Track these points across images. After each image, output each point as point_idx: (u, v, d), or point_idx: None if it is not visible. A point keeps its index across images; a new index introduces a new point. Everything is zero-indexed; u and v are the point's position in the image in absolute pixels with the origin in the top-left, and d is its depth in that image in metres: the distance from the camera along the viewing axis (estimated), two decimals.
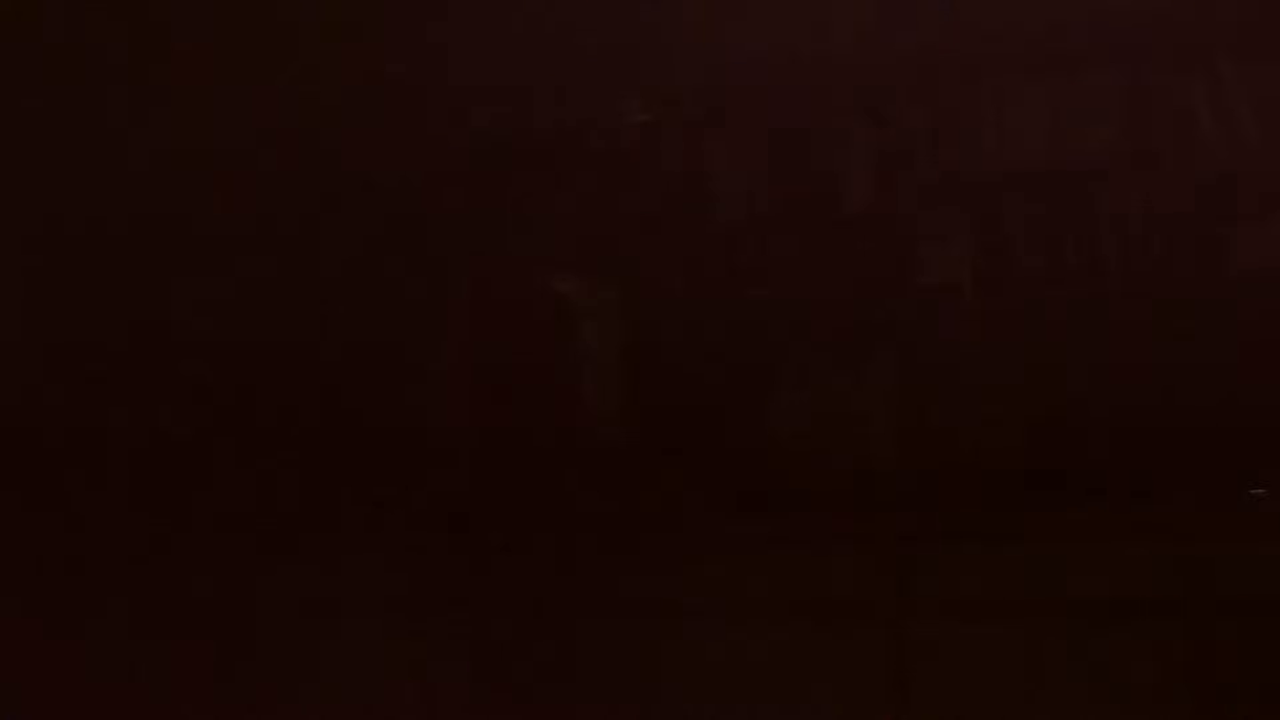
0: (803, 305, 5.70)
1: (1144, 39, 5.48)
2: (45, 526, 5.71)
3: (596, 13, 5.75)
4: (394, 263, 5.76)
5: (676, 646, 5.46)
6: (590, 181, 5.79)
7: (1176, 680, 5.02)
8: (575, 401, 5.70)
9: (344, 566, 5.64)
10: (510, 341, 5.69)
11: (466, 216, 5.77)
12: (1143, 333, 5.44)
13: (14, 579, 5.71)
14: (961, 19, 5.60)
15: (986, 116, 5.62)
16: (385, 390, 5.75)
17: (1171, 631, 5.03)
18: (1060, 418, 5.47)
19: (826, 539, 5.39)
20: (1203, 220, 5.42)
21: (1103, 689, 5.09)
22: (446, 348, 5.71)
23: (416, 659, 5.58)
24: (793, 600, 5.39)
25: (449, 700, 5.54)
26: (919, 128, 5.68)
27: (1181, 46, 5.45)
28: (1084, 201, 5.54)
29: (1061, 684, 5.14)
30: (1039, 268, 5.56)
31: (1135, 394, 5.41)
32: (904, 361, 5.60)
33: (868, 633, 5.33)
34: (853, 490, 5.56)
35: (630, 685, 5.49)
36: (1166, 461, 5.32)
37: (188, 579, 5.72)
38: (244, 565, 5.70)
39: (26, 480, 5.73)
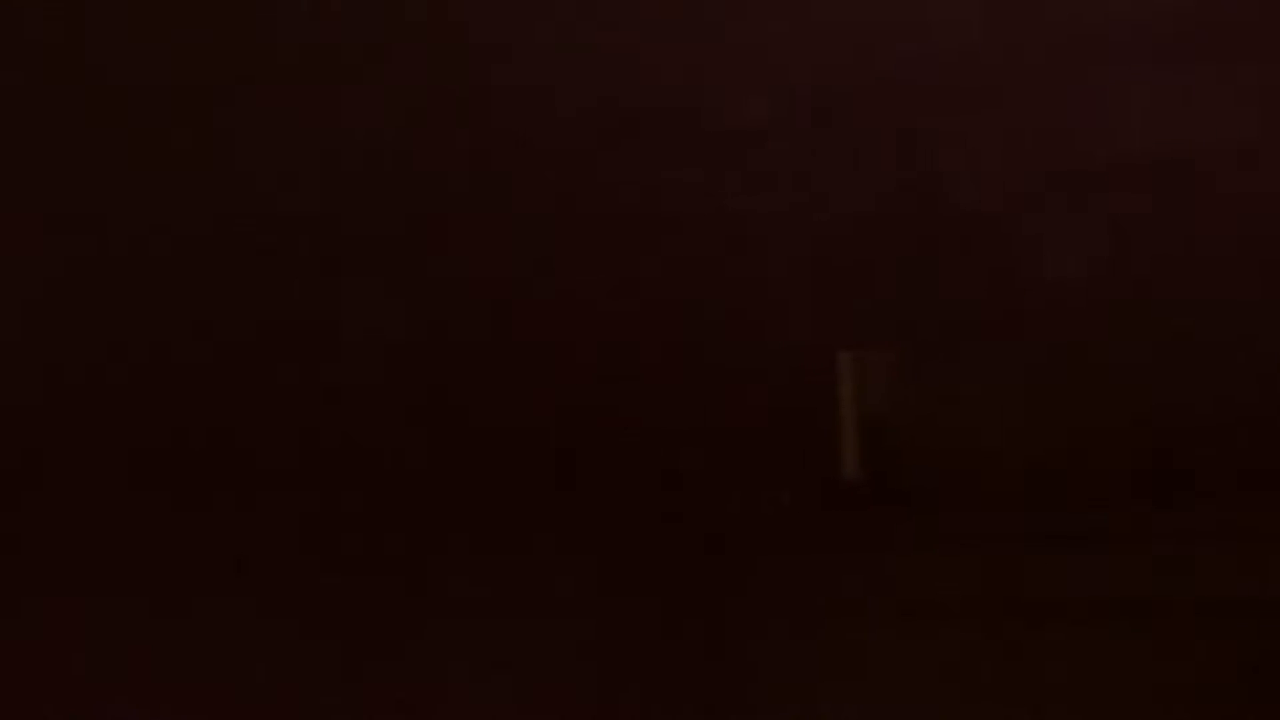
0: (915, 305, 5.71)
1: (1253, 28, 5.42)
2: (195, 527, 5.75)
3: (704, 11, 5.73)
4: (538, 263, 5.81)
5: (815, 647, 5.44)
6: (697, 180, 5.78)
7: None
8: (694, 393, 5.72)
9: (497, 568, 5.69)
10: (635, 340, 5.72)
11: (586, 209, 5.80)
12: (1268, 327, 5.39)
13: (162, 579, 5.75)
14: (1069, 10, 5.57)
15: (1101, 108, 5.57)
16: (531, 389, 5.80)
17: None
18: (1181, 415, 5.42)
19: (944, 539, 5.37)
20: None
21: (1225, 689, 5.03)
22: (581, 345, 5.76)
23: (563, 660, 5.64)
24: (913, 601, 5.36)
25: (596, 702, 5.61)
26: (1031, 122, 5.64)
27: None
28: (1206, 193, 5.49)
29: (1186, 685, 5.08)
30: (1158, 261, 5.51)
31: (1256, 390, 5.35)
32: (1023, 359, 5.57)
33: (983, 635, 5.28)
34: (975, 488, 5.54)
35: (772, 686, 5.48)
36: None
37: (344, 579, 5.77)
38: (398, 565, 5.75)
39: (179, 480, 5.77)
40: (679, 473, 5.67)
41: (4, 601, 5.78)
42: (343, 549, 5.75)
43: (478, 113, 5.76)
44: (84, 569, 5.76)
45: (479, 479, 5.74)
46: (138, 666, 5.70)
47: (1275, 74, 5.40)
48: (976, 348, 5.61)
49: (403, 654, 5.70)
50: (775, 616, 5.46)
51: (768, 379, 5.71)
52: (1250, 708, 4.99)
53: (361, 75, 5.73)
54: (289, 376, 5.81)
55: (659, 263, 5.77)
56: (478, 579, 5.67)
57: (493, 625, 5.66)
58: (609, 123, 5.76)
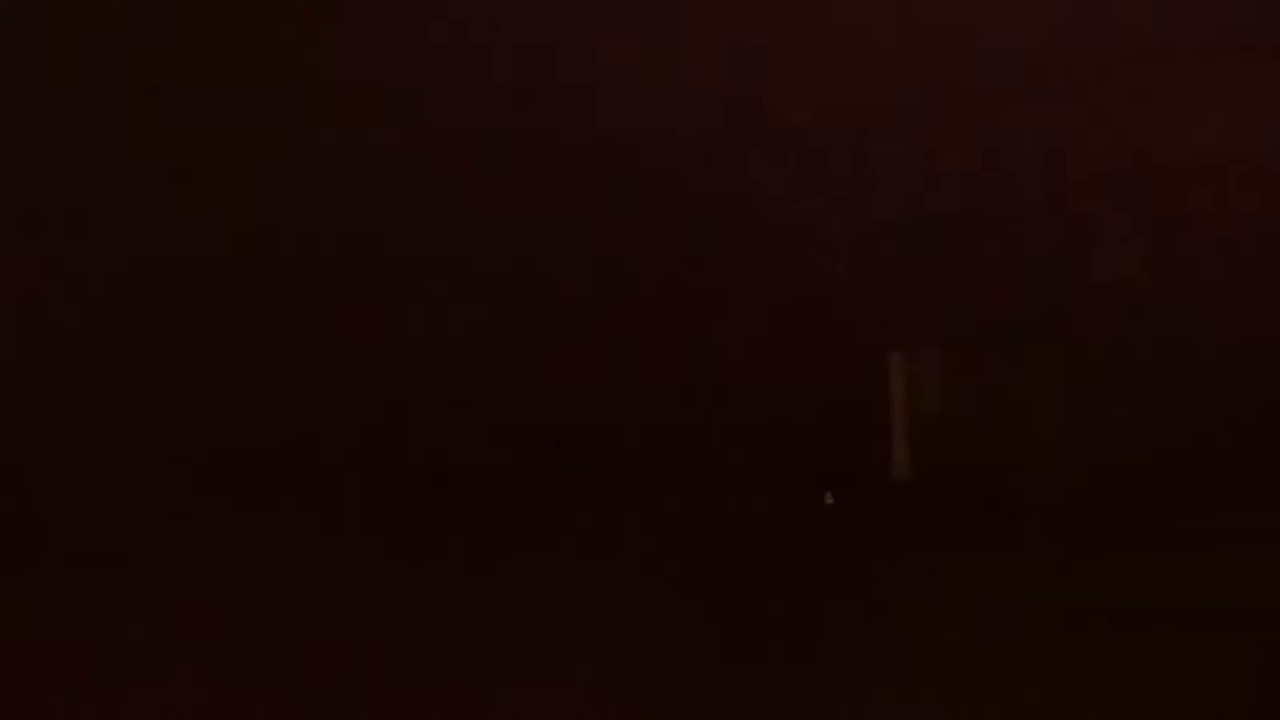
0: (967, 305, 5.66)
1: None
2: (261, 528, 5.75)
3: (763, 14, 5.73)
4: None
5: (865, 647, 5.43)
6: (756, 180, 5.78)
7: None
8: (746, 393, 5.70)
9: (556, 567, 5.66)
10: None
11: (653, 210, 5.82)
12: None
13: (224, 578, 5.75)
14: (1122, 11, 5.54)
15: (1154, 108, 5.54)
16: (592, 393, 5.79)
17: None
18: (1237, 417, 5.38)
19: (995, 540, 5.33)
20: None
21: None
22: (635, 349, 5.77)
23: (619, 660, 5.60)
24: (961, 601, 5.35)
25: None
26: (1084, 123, 5.60)
27: None
28: (1260, 195, 5.45)
29: (1199, 692, 5.11)
30: (1213, 261, 5.47)
31: None
32: (1076, 359, 5.52)
33: (1034, 636, 5.28)
34: (1027, 489, 5.50)
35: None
36: None
37: (400, 580, 5.75)
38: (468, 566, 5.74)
39: (242, 482, 5.77)
40: (731, 472, 5.65)
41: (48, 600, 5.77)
42: (399, 550, 5.74)
43: (535, 120, 5.77)
44: (148, 570, 5.75)
45: (536, 480, 5.74)
46: (204, 667, 5.69)
47: None
48: (1029, 347, 5.56)
49: (467, 653, 5.68)
50: (825, 616, 5.45)
51: (819, 378, 5.67)
52: None
53: (427, 82, 5.74)
54: (354, 382, 5.81)
55: (711, 263, 5.75)
56: (539, 579, 5.66)
57: (553, 625, 5.65)
58: (665, 124, 5.76)
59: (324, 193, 5.78)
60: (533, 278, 5.81)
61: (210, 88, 5.75)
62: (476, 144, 5.78)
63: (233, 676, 5.65)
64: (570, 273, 5.79)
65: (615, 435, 5.72)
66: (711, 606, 5.59)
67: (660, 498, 5.67)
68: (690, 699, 5.56)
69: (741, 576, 5.59)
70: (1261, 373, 5.40)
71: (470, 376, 5.82)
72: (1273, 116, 5.46)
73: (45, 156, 5.76)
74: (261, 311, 5.82)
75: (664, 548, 5.64)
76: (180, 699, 5.64)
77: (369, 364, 5.83)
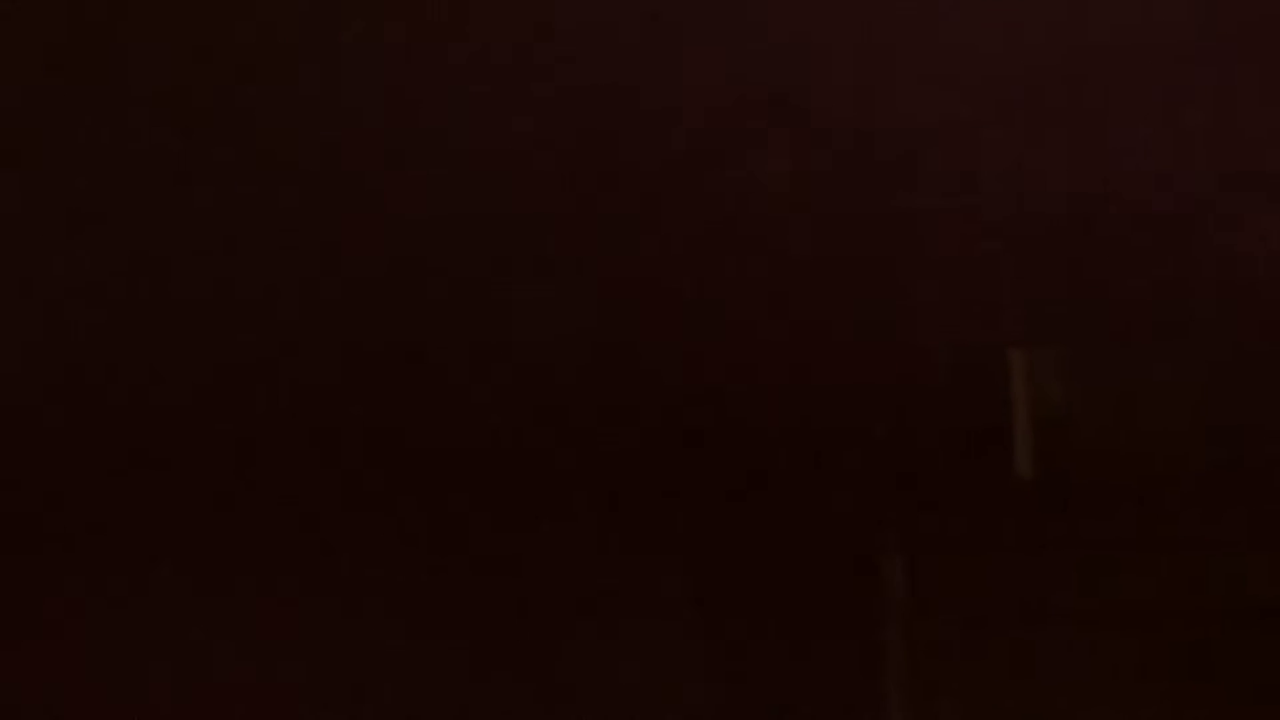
0: (1089, 302, 5.56)
1: None
2: (339, 526, 5.65)
3: (874, 9, 5.65)
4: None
5: (985, 648, 5.09)
6: (867, 178, 5.67)
7: None
8: (865, 392, 5.61)
9: (648, 567, 5.58)
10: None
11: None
12: None
13: (301, 577, 5.64)
14: (1245, 9, 5.48)
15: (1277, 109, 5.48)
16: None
17: None
18: None
19: (1120, 539, 5.08)
20: None
21: None
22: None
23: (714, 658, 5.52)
24: (1087, 603, 5.00)
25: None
26: (1207, 121, 5.51)
27: None
28: None
29: None
30: None
31: None
32: (1199, 356, 5.30)
33: (1159, 640, 4.95)
34: (1151, 488, 5.25)
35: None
36: None
37: (472, 579, 5.64)
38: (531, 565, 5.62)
39: (327, 476, 5.67)
40: (852, 472, 5.56)
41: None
42: (464, 548, 5.61)
43: (635, 113, 5.68)
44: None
45: (635, 476, 5.61)
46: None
47: None
48: (1152, 345, 5.43)
49: (535, 656, 5.57)
50: (949, 617, 5.16)
51: (939, 377, 5.58)
52: None
53: (525, 79, 5.68)
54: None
55: (828, 262, 5.65)
56: (629, 575, 5.56)
57: (648, 625, 5.54)
58: (777, 121, 5.66)
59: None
60: (628, 277, 5.70)
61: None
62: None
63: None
64: (671, 273, 5.67)
65: (724, 435, 5.61)
66: (824, 604, 5.56)
67: (769, 498, 5.59)
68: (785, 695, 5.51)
69: (856, 577, 5.55)
70: None
71: (540, 376, 5.68)
72: None
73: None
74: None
75: (779, 548, 5.56)
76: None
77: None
